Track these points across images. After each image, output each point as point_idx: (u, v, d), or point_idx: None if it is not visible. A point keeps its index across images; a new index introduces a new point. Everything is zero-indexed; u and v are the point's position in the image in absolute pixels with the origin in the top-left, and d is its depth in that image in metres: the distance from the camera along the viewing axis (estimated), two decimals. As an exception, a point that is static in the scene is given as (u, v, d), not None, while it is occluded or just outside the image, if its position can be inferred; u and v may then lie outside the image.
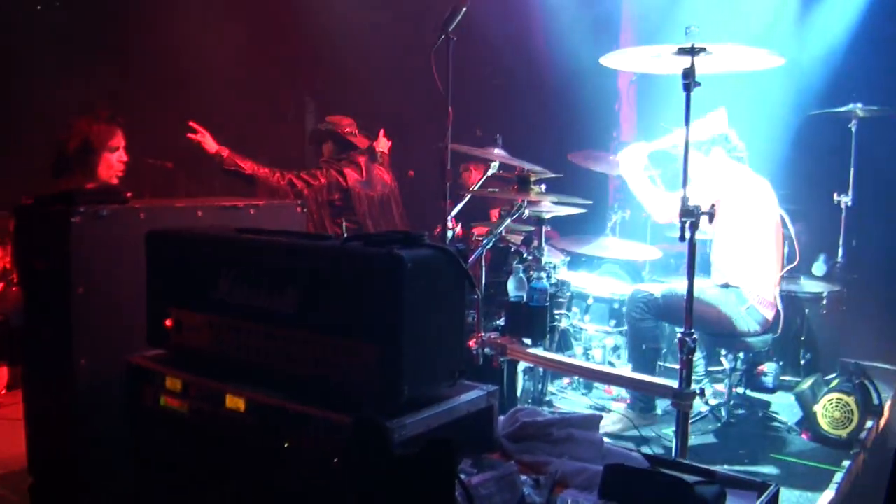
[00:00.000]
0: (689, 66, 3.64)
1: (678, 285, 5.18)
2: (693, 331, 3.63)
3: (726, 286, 4.99)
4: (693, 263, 3.64)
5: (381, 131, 6.98)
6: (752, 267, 5.02)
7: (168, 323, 3.12)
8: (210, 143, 5.77)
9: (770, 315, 4.98)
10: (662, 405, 5.10)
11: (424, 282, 2.46)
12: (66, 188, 4.24)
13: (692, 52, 3.64)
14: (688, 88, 3.64)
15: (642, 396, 5.05)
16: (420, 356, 2.48)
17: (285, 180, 5.99)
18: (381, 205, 6.54)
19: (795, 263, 5.26)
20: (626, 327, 5.28)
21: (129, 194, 3.66)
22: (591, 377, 4.71)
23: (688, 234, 3.60)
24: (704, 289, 5.00)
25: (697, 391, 3.61)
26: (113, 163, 4.50)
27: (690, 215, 3.56)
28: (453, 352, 2.69)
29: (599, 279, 5.90)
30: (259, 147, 7.30)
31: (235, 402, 2.74)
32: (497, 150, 5.67)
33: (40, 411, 3.68)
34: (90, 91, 12.51)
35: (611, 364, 5.39)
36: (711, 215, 3.58)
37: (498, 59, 9.37)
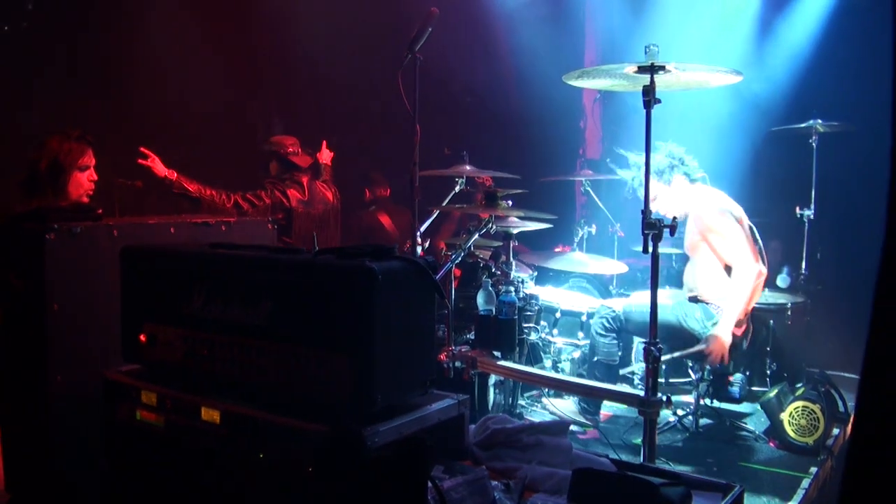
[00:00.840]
0: (648, 83, 3.73)
1: (639, 300, 5.32)
2: (657, 340, 3.72)
3: (695, 300, 5.09)
4: (657, 275, 3.73)
5: (324, 143, 7.03)
6: (721, 285, 5.12)
7: (142, 338, 3.16)
8: (159, 167, 5.80)
9: (738, 331, 5.08)
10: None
11: (395, 293, 2.52)
12: (39, 206, 4.30)
13: (652, 70, 3.74)
14: (648, 105, 3.73)
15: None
16: (392, 365, 2.54)
17: (231, 202, 6.05)
18: (321, 222, 6.62)
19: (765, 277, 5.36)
20: None
21: (100, 211, 3.70)
22: (560, 388, 4.78)
23: (650, 247, 3.68)
24: (669, 303, 5.11)
25: (663, 399, 3.69)
26: (83, 182, 4.53)
27: (653, 228, 3.64)
28: (424, 361, 2.75)
29: (567, 293, 5.98)
30: (226, 164, 7.31)
31: (211, 415, 2.79)
32: (465, 167, 5.75)
33: (17, 427, 3.70)
34: (57, 110, 12.51)
35: (580, 375, 5.47)
36: (673, 228, 3.67)
37: (464, 77, 9.46)
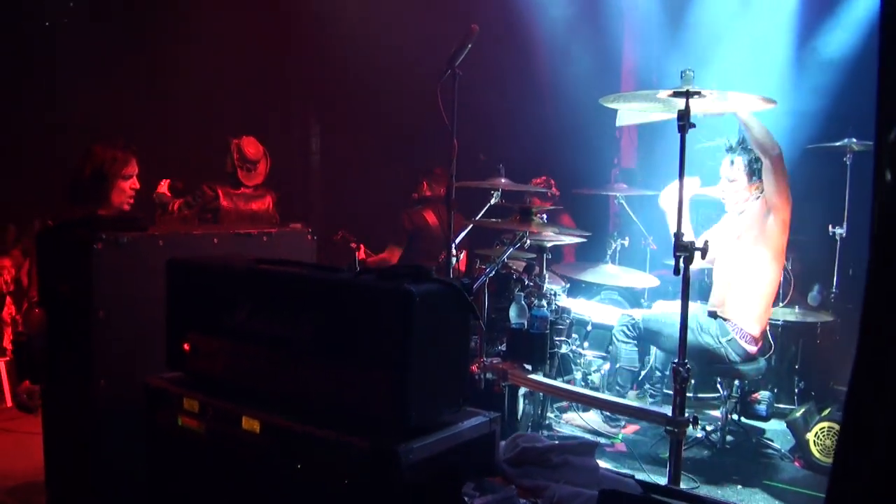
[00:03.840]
0: (683, 108, 3.79)
1: (659, 310, 5.42)
2: (687, 361, 3.78)
3: (713, 315, 5.14)
4: (687, 296, 3.79)
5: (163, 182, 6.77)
6: (739, 301, 5.18)
7: (186, 347, 3.27)
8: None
9: (752, 349, 5.14)
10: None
11: (432, 314, 2.61)
12: (84, 214, 4.42)
13: (687, 95, 3.80)
14: (682, 130, 3.79)
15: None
16: (427, 384, 2.63)
17: (177, 213, 6.30)
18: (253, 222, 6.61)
19: (788, 299, 5.41)
20: None
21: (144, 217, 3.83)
22: (588, 403, 4.85)
23: (681, 268, 3.74)
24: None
25: (690, 419, 3.75)
26: (126, 189, 4.65)
27: (685, 250, 3.71)
28: (458, 380, 2.84)
29: (599, 306, 6.06)
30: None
31: (251, 424, 2.89)
32: (501, 180, 5.83)
33: (60, 429, 3.83)
34: (100, 107, 12.74)
35: (609, 385, 5.56)
36: (704, 251, 3.72)
37: (503, 84, 9.53)
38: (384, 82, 10.41)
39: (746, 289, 5.19)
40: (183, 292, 3.31)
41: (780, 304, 6.24)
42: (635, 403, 4.57)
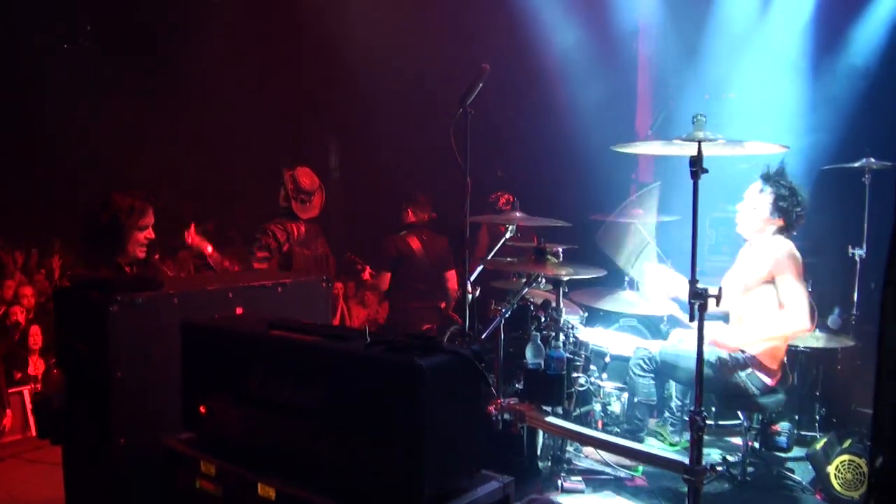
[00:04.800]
0: (696, 153, 3.78)
1: (676, 339, 5.42)
2: (703, 409, 3.77)
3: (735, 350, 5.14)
4: (702, 345, 3.78)
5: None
6: (761, 339, 5.15)
7: (202, 409, 3.30)
8: (192, 236, 6.18)
9: (772, 381, 5.12)
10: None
11: (443, 387, 2.62)
12: (98, 259, 4.47)
13: (699, 143, 3.78)
14: (695, 176, 3.78)
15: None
16: (440, 455, 2.64)
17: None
18: (317, 264, 6.62)
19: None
20: None
21: (165, 264, 3.86)
22: (606, 449, 4.83)
23: (696, 316, 3.73)
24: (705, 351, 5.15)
25: (708, 468, 3.74)
26: (141, 240, 4.68)
27: (699, 297, 3.70)
28: (472, 446, 2.85)
29: (617, 335, 6.04)
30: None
31: (267, 491, 2.91)
32: (516, 214, 5.82)
33: (80, 487, 3.87)
34: (113, 124, 12.87)
35: (628, 417, 5.56)
36: (718, 298, 3.71)
37: (519, 102, 9.54)
38: (401, 102, 10.47)
39: (758, 322, 5.17)
40: (197, 355, 3.34)
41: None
42: (653, 450, 4.56)
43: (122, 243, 4.62)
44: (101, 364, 3.54)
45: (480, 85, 4.88)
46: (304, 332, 3.06)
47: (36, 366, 8.69)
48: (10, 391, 8.29)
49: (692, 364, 5.12)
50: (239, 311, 3.82)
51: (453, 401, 2.71)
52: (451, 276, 7.55)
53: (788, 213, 5.29)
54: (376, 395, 2.66)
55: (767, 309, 5.15)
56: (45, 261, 11.41)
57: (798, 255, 5.21)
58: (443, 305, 7.47)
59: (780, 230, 5.32)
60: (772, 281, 5.15)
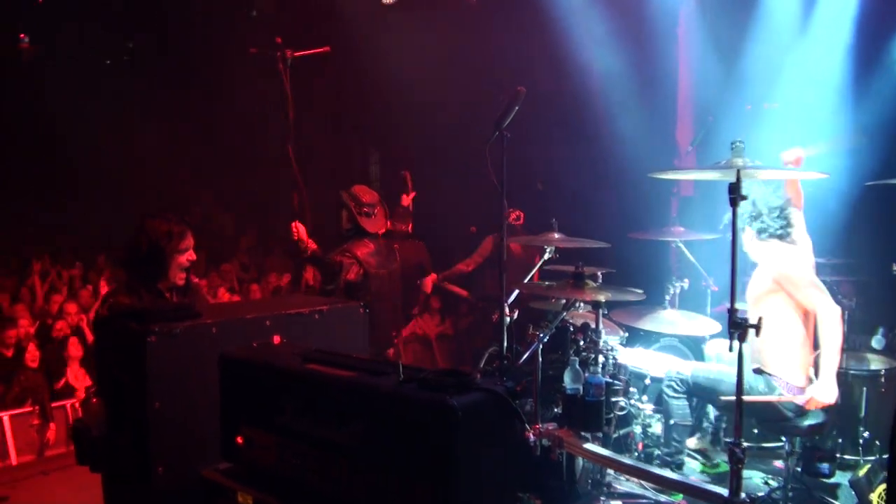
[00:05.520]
0: (735, 181, 3.74)
1: (707, 366, 5.36)
2: (741, 440, 3.72)
3: (759, 372, 5.06)
4: (742, 372, 3.73)
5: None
6: (782, 355, 5.08)
7: (239, 440, 3.33)
8: (308, 242, 6.07)
9: (801, 401, 5.03)
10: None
11: (476, 424, 2.62)
12: (140, 286, 4.50)
13: (738, 172, 3.74)
14: (734, 204, 3.74)
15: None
16: (474, 492, 2.64)
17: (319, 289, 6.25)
18: (390, 283, 6.51)
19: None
20: None
21: (202, 282, 3.88)
22: (643, 478, 4.77)
23: (736, 346, 3.68)
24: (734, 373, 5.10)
25: (747, 500, 3.68)
26: (183, 263, 4.67)
27: (738, 327, 3.65)
28: (506, 482, 2.84)
29: (657, 356, 5.98)
30: (322, 191, 7.41)
31: (302, 524, 2.94)
32: (553, 235, 5.80)
33: (121, 512, 3.91)
34: (154, 141, 13.05)
35: (668, 439, 5.52)
36: (758, 328, 3.66)
37: (557, 111, 9.51)
38: (444, 116, 10.51)
39: (778, 341, 5.09)
40: (235, 387, 3.38)
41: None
42: (691, 480, 4.51)
43: (163, 269, 4.61)
44: (140, 394, 3.57)
45: (517, 108, 4.86)
46: (339, 366, 3.08)
47: (76, 376, 8.81)
48: (53, 405, 8.41)
49: (723, 387, 5.13)
50: (276, 339, 3.83)
51: (487, 437, 2.71)
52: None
53: (761, 219, 5.26)
54: (410, 432, 2.67)
55: (780, 319, 5.09)
56: (91, 275, 11.59)
57: (793, 256, 5.21)
58: None
59: (759, 239, 5.28)
60: (778, 291, 5.10)
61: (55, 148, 12.93)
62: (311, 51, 6.15)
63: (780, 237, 5.29)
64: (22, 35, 13.57)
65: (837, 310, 4.93)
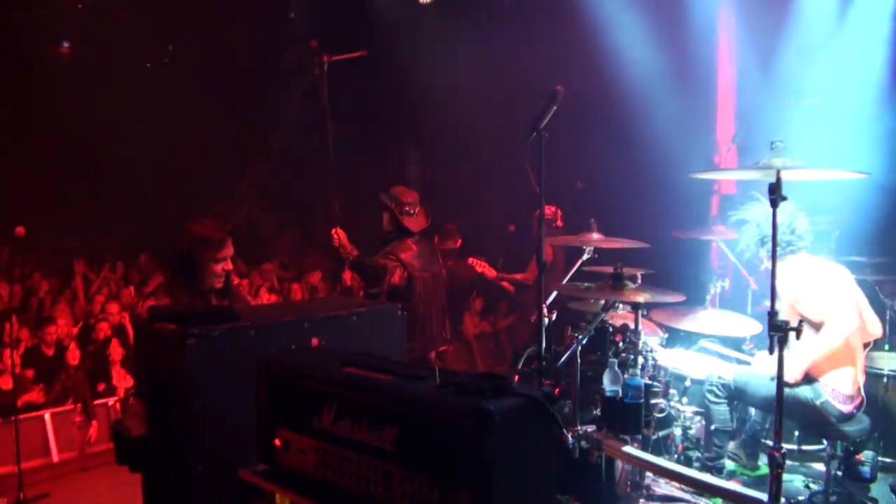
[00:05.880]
0: (775, 181, 3.69)
1: (752, 370, 5.30)
2: (782, 445, 3.68)
3: (804, 378, 5.01)
4: (782, 376, 3.69)
5: None
6: (826, 361, 5.02)
7: (277, 443, 3.34)
8: (349, 247, 6.08)
9: (847, 408, 4.99)
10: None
11: (513, 430, 2.61)
12: (180, 289, 4.53)
13: (778, 173, 3.70)
14: (774, 204, 3.69)
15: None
16: (510, 498, 2.62)
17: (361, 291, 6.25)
18: (434, 287, 6.45)
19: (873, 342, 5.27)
20: None
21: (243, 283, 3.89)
22: (683, 482, 4.74)
23: (776, 350, 3.64)
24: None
25: (787, 506, 3.65)
26: (218, 271, 4.71)
27: (779, 330, 3.61)
28: (544, 487, 2.82)
29: (697, 357, 5.93)
30: (361, 190, 7.42)
31: (339, 528, 2.94)
32: (593, 235, 5.76)
33: (160, 511, 3.94)
34: (198, 147, 13.16)
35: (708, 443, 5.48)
36: (798, 331, 3.62)
37: (596, 110, 9.48)
38: (482, 116, 10.50)
39: (816, 347, 5.03)
40: (273, 389, 3.38)
41: (886, 348, 6.07)
42: (730, 485, 4.46)
43: (199, 274, 4.66)
44: (179, 395, 3.60)
45: (555, 107, 4.83)
46: (376, 370, 3.07)
47: (119, 376, 8.90)
48: (95, 403, 8.50)
49: (764, 391, 5.08)
50: (314, 342, 3.85)
51: (524, 442, 2.69)
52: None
53: (762, 244, 5.37)
54: (446, 437, 2.65)
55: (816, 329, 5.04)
56: (133, 274, 11.72)
57: (802, 269, 5.21)
58: None
59: (784, 255, 5.26)
60: (797, 313, 5.06)
61: (97, 149, 13.07)
62: (348, 55, 6.15)
63: (793, 252, 5.26)
64: (62, 39, 13.75)
65: (845, 324, 4.91)
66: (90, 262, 11.70)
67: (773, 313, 3.65)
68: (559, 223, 8.27)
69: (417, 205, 6.45)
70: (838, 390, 4.99)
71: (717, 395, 5.34)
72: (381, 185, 6.59)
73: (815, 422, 5.03)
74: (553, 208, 8.23)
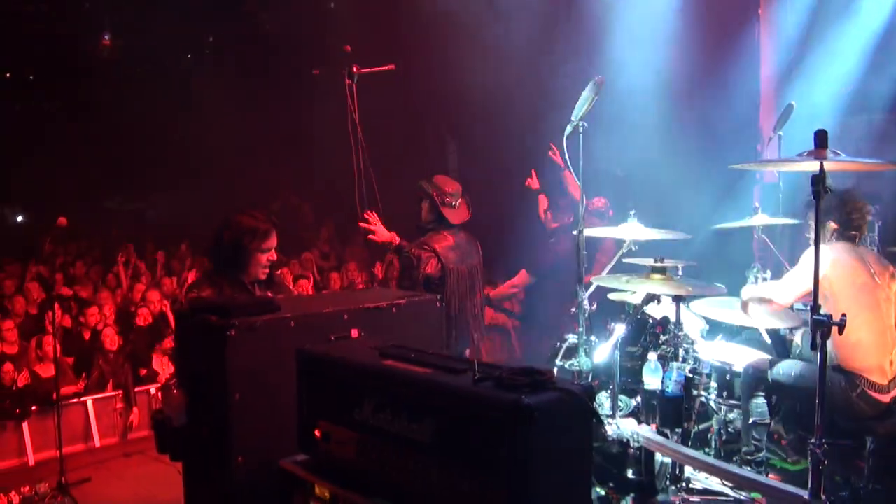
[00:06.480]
0: (818, 172, 3.64)
1: (788, 364, 5.24)
2: (823, 440, 3.63)
3: (838, 369, 4.94)
4: (824, 371, 3.64)
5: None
6: (862, 352, 4.94)
7: (317, 433, 3.36)
8: (382, 232, 6.03)
9: (885, 399, 4.90)
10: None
11: (552, 426, 2.60)
12: (226, 293, 4.56)
13: (821, 164, 3.64)
14: (817, 196, 3.64)
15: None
16: (548, 492, 2.62)
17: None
18: (470, 280, 6.31)
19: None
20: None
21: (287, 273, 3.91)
22: (722, 476, 4.70)
23: (819, 344, 3.59)
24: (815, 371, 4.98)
25: (827, 502, 3.61)
26: (262, 261, 4.73)
27: (821, 325, 3.56)
28: (582, 481, 2.82)
29: (738, 349, 5.87)
30: (398, 182, 7.42)
31: (379, 519, 2.95)
32: (632, 225, 5.71)
33: (200, 500, 3.97)
34: (237, 137, 13.23)
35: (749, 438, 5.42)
36: (841, 327, 3.57)
37: (636, 99, 9.41)
38: (519, 105, 10.45)
39: (852, 336, 4.95)
40: (312, 381, 3.40)
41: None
42: (770, 481, 4.43)
43: (243, 265, 4.69)
44: (220, 385, 3.62)
45: (595, 97, 4.81)
46: (416, 363, 3.07)
47: (161, 363, 8.99)
48: (136, 390, 8.60)
49: (802, 382, 5.01)
50: (354, 333, 3.86)
51: (563, 437, 2.68)
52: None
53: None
54: (485, 431, 2.65)
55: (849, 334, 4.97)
56: (174, 263, 11.83)
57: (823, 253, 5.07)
58: None
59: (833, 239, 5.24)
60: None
61: (138, 140, 13.21)
62: (376, 68, 6.15)
63: (852, 239, 5.19)
64: (104, 32, 13.89)
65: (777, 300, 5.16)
66: (132, 250, 11.82)
67: (815, 307, 3.61)
68: (611, 213, 8.08)
69: (459, 196, 6.33)
70: (875, 381, 4.91)
71: (753, 388, 5.26)
72: (421, 175, 6.50)
73: (854, 415, 4.95)
74: (603, 199, 8.07)
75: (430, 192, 6.26)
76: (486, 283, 7.17)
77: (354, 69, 6.08)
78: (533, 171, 7.64)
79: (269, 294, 4.55)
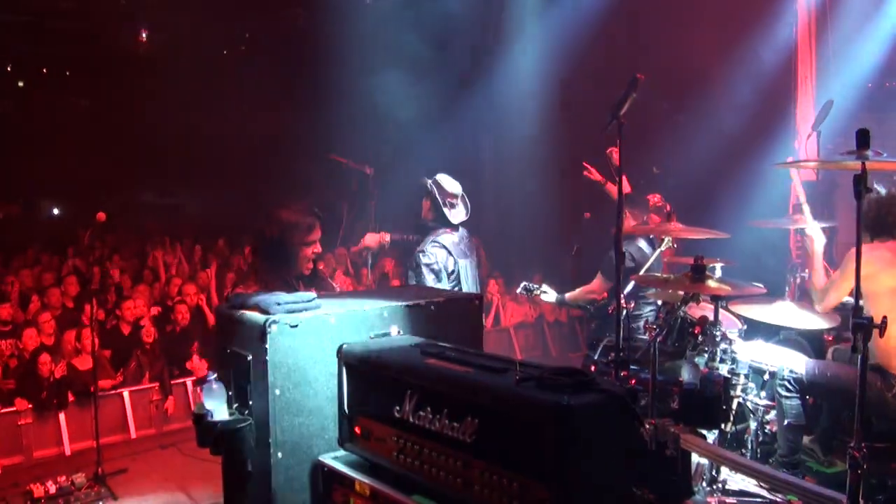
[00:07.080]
0: (860, 172, 3.59)
1: (824, 364, 5.19)
2: (862, 444, 3.60)
3: (874, 368, 4.88)
4: (864, 373, 3.61)
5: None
6: (888, 348, 4.88)
7: (357, 430, 3.38)
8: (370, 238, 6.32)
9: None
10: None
11: (594, 427, 2.61)
12: (270, 290, 4.56)
13: (863, 163, 3.60)
14: (859, 197, 3.60)
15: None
16: (588, 493, 2.62)
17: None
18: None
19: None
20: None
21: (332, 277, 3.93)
22: (759, 478, 4.66)
23: (860, 347, 3.55)
24: (849, 371, 4.92)
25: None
26: (308, 255, 4.73)
27: (862, 328, 3.52)
28: (621, 481, 2.82)
29: (776, 349, 5.82)
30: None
31: (419, 516, 2.97)
32: (673, 224, 5.68)
33: (239, 494, 3.99)
34: (273, 131, 13.28)
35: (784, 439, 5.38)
36: (882, 328, 3.54)
37: (677, 95, 9.37)
38: (556, 99, 10.43)
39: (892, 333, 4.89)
40: (353, 378, 3.44)
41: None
42: (807, 484, 4.38)
43: (289, 259, 4.69)
44: (260, 381, 3.65)
45: (634, 95, 4.77)
46: (457, 362, 3.09)
47: (198, 358, 9.04)
48: (172, 382, 8.66)
49: (836, 384, 4.95)
50: (393, 330, 3.87)
51: (604, 438, 2.69)
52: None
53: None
54: (526, 431, 2.66)
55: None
56: (211, 257, 11.90)
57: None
58: None
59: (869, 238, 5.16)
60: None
61: (174, 135, 13.29)
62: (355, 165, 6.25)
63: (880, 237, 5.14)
64: (140, 27, 14.01)
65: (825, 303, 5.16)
66: (168, 244, 11.91)
67: (857, 308, 3.57)
68: (668, 208, 7.98)
69: (460, 198, 6.37)
70: None
71: (788, 390, 5.21)
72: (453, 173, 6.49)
73: (885, 416, 4.90)
74: (659, 195, 7.97)
75: (432, 191, 6.30)
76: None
77: (368, 170, 6.26)
78: (585, 164, 7.56)
79: (313, 290, 4.56)
